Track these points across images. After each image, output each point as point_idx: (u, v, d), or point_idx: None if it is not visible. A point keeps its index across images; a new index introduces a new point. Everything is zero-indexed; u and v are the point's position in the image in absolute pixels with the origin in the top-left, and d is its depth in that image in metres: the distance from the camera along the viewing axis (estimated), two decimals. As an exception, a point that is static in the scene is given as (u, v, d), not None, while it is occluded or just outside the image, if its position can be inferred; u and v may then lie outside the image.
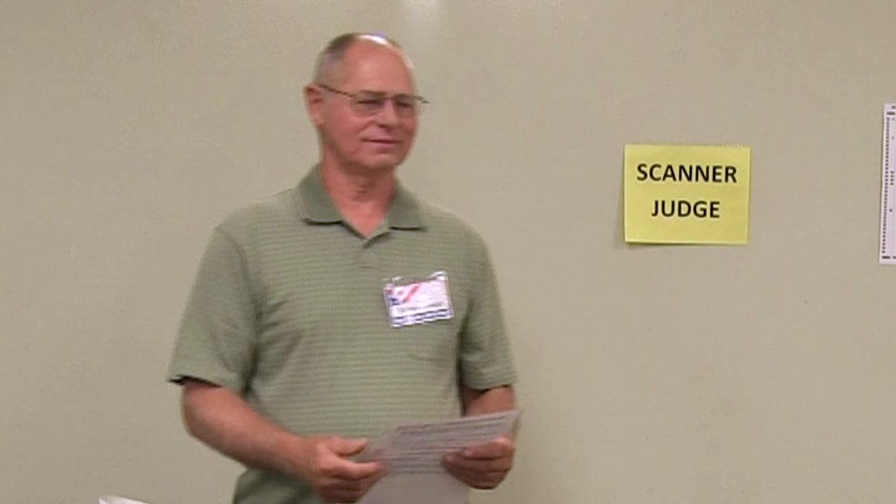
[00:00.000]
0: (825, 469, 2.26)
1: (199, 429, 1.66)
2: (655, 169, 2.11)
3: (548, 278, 2.28)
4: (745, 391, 2.29)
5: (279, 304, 1.64)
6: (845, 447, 2.27)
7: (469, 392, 1.80)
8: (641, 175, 2.12)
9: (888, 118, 2.12)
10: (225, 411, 1.62)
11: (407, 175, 1.77)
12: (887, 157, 2.14)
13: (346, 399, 1.65)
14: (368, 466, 1.42)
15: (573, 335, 2.28)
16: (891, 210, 2.13)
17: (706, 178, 2.11)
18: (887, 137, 2.11)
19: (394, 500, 1.55)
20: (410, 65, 1.68)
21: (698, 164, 2.11)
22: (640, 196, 2.12)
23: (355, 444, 1.43)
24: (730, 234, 2.12)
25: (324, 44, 1.72)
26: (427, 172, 2.10)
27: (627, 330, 2.26)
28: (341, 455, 1.43)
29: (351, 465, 1.42)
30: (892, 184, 2.17)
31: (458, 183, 2.22)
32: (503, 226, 2.21)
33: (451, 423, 1.61)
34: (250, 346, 1.67)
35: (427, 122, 1.81)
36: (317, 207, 1.69)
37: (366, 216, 1.71)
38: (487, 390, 1.79)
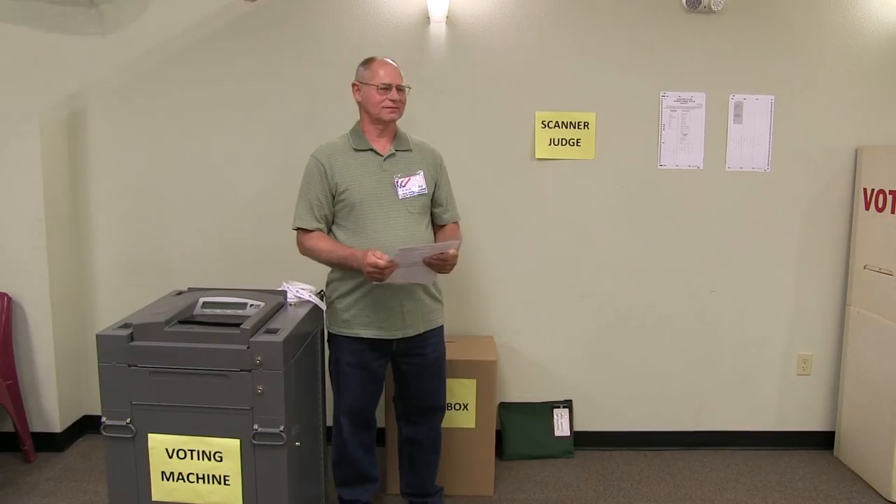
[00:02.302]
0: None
1: (307, 251, 2.47)
2: (550, 123, 3.31)
3: (491, 178, 3.37)
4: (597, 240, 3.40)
5: (343, 190, 2.43)
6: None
7: (437, 227, 2.65)
8: (543, 125, 3.32)
9: (662, 99, 3.30)
10: (321, 241, 2.44)
11: (402, 123, 2.63)
12: (661, 116, 3.33)
13: (378, 234, 2.44)
14: (387, 263, 2.25)
15: (501, 214, 3.38)
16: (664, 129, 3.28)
17: (575, 127, 3.32)
18: (662, 108, 3.31)
19: (402, 276, 2.37)
20: (401, 70, 2.51)
21: (570, 120, 3.31)
22: (543, 136, 3.33)
23: (384, 255, 2.26)
24: (586, 154, 3.35)
25: (360, 60, 2.59)
26: (414, 123, 2.94)
27: (533, 205, 3.40)
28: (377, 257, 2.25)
29: (380, 261, 2.24)
30: (664, 129, 3.32)
31: (434, 129, 3.20)
32: (468, 152, 3.31)
33: (427, 246, 2.39)
34: (330, 211, 2.47)
35: (415, 99, 2.84)
36: (359, 142, 2.46)
37: (383, 145, 2.48)
38: (444, 226, 2.65)
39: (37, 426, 3.40)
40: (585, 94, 3.39)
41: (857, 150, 3.46)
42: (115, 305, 3.50)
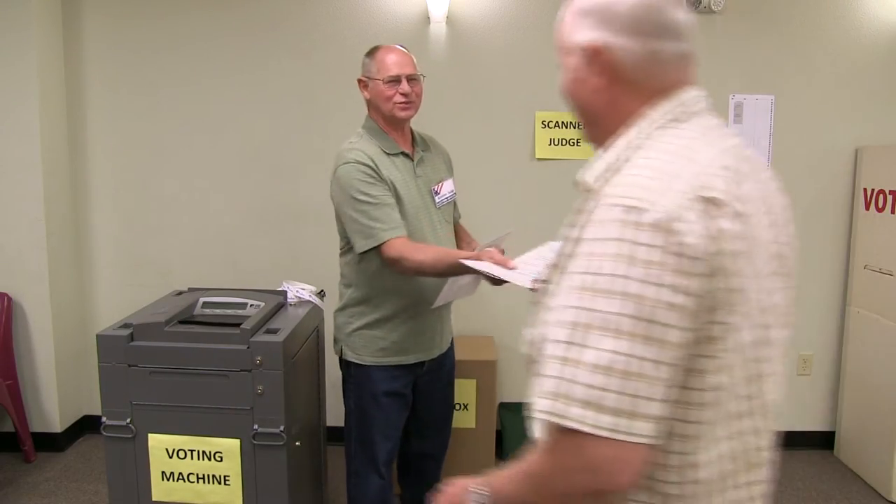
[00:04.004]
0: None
1: (411, 267, 2.04)
2: (550, 123, 3.35)
3: (491, 178, 3.41)
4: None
5: (395, 196, 2.15)
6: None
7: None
8: (543, 125, 3.37)
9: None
10: (418, 251, 2.05)
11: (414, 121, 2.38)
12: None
13: (421, 238, 2.20)
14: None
15: (501, 214, 3.42)
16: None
17: (575, 127, 3.19)
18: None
19: (454, 291, 2.18)
20: (412, 56, 2.19)
21: (570, 120, 3.26)
22: (543, 135, 3.37)
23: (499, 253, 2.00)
24: (586, 154, 3.34)
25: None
26: (414, 123, 2.44)
27: (533, 205, 3.42)
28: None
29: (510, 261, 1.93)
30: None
31: (434, 129, 2.86)
32: (468, 152, 3.24)
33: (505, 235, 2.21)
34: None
35: (427, 96, 2.60)
36: (388, 145, 2.19)
37: (408, 147, 2.25)
38: (455, 225, 2.49)
39: (37, 426, 3.44)
40: (585, 94, 3.37)
41: (857, 150, 3.49)
42: (115, 305, 3.53)
